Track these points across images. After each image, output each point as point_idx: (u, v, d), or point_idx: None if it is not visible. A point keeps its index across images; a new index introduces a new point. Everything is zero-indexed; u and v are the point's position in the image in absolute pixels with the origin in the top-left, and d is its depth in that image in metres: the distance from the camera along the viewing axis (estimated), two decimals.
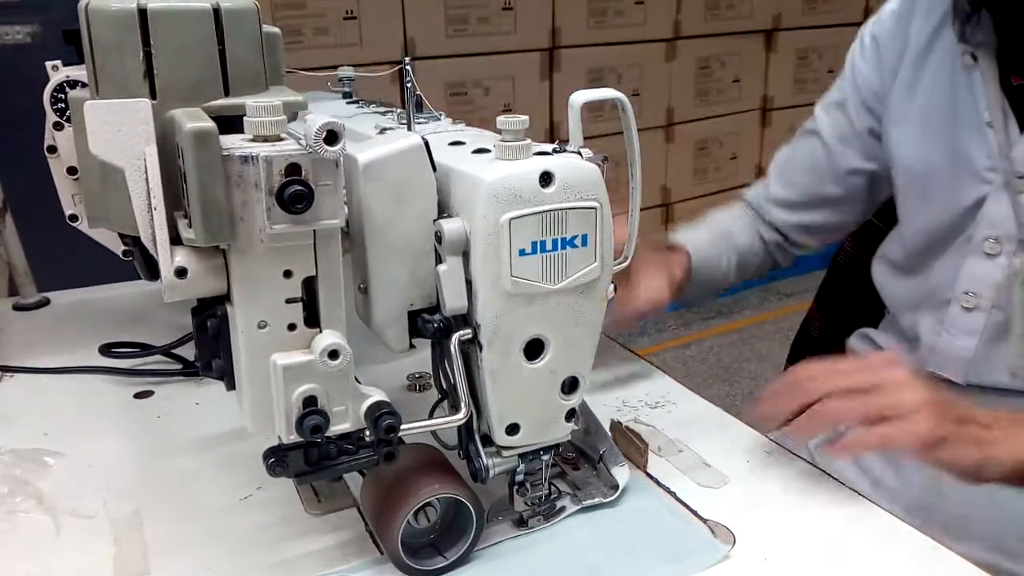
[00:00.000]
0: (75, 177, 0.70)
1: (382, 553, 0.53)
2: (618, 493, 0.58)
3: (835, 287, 1.09)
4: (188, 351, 0.81)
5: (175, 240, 0.44)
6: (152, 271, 0.45)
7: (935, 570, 0.52)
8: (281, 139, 0.42)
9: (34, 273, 1.02)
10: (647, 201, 2.70)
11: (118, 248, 0.75)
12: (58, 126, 0.69)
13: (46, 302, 1.01)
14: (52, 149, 0.71)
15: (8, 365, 0.83)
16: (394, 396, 0.48)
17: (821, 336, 1.09)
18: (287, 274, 0.43)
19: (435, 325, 0.50)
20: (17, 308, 0.99)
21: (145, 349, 0.81)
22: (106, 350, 0.80)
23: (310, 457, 0.48)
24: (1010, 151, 0.68)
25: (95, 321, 0.93)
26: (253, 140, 0.42)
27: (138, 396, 0.77)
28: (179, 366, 0.80)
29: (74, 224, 0.73)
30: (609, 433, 0.63)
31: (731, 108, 2.78)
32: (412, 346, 0.52)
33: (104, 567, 0.54)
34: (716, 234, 0.91)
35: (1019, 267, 0.69)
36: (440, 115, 0.64)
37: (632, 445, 0.64)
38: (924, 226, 0.76)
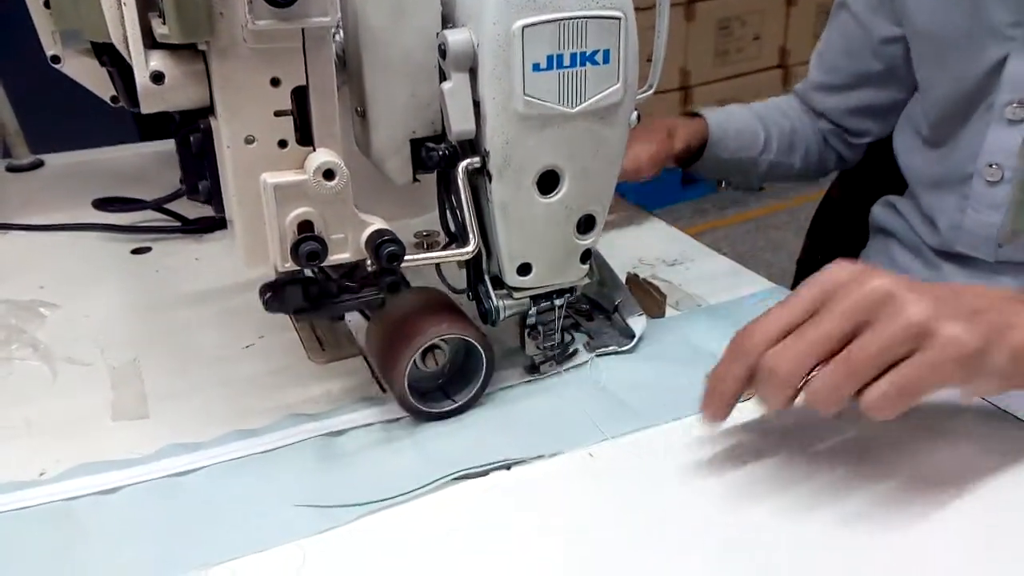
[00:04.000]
0: (52, 10, 0.65)
1: (384, 391, 0.51)
2: (634, 342, 0.56)
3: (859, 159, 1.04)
4: (186, 208, 0.78)
5: (152, 45, 0.39)
6: (132, 93, 0.40)
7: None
8: None
9: (28, 137, 0.98)
10: (665, 84, 2.59)
11: (106, 94, 0.70)
12: None
13: (40, 163, 0.97)
14: None
15: (2, 223, 0.80)
16: None
17: (843, 204, 1.04)
18: (275, 82, 0.39)
19: (440, 153, 0.46)
20: (11, 169, 0.95)
21: (139, 203, 0.78)
22: (100, 205, 0.77)
23: (309, 293, 0.46)
24: None
25: (91, 181, 0.90)
26: None
27: (135, 252, 0.74)
28: (177, 223, 0.77)
29: (56, 66, 0.68)
30: (625, 285, 0.60)
31: None
32: (416, 179, 0.49)
33: (102, 412, 0.53)
34: (753, 110, 0.86)
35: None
36: None
37: (649, 297, 0.61)
38: (943, 95, 0.70)
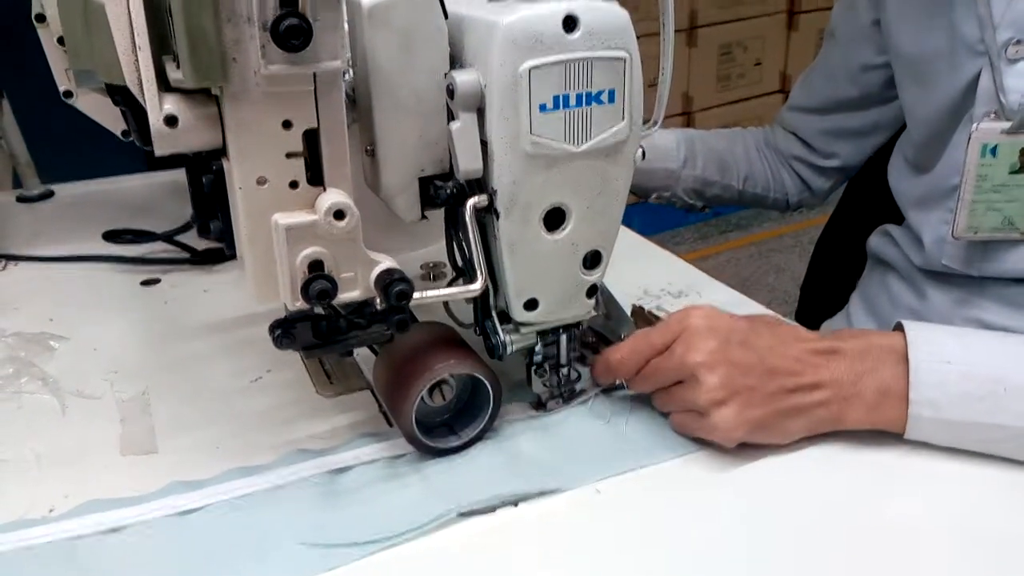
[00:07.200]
0: (66, 49, 0.66)
1: (391, 426, 0.52)
2: None
3: (861, 185, 1.05)
4: (195, 240, 0.78)
5: (166, 88, 0.40)
6: (145, 133, 0.41)
7: None
8: None
9: (39, 167, 0.99)
10: (667, 110, 2.60)
11: (117, 128, 0.71)
12: None
13: (50, 194, 0.98)
14: (40, 18, 0.67)
15: (12, 254, 0.80)
16: None
17: (845, 232, 1.05)
18: (286, 125, 0.40)
19: (448, 191, 0.47)
20: (21, 200, 0.96)
21: (149, 236, 0.78)
22: (110, 236, 0.78)
23: (319, 330, 0.46)
24: (993, 18, 0.63)
25: (100, 212, 0.90)
26: None
27: (145, 284, 0.75)
28: (187, 255, 0.78)
29: (69, 101, 0.69)
30: (631, 318, 0.60)
31: (756, 10, 2.65)
32: (424, 216, 0.49)
33: (110, 445, 0.53)
34: (679, 132, 0.90)
35: (974, 133, 0.65)
36: None
37: None
38: (927, 116, 0.72)
